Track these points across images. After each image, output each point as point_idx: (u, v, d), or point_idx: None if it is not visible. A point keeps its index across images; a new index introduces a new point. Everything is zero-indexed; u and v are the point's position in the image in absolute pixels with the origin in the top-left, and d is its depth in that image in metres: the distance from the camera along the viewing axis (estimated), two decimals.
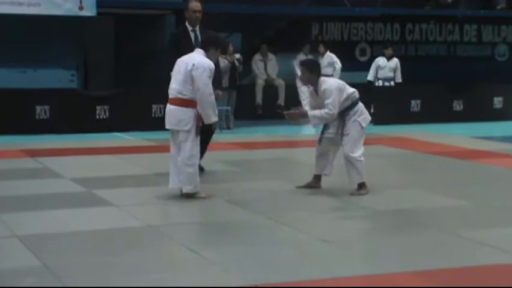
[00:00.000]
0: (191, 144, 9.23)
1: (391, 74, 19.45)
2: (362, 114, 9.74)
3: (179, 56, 9.84)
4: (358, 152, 9.65)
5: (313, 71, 9.67)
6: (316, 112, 9.61)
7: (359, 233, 8.03)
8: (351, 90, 9.72)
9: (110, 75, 18.98)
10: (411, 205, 9.20)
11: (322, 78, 9.70)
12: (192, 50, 10.03)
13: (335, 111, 9.50)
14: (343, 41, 21.15)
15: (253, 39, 19.86)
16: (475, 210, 8.98)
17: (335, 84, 9.67)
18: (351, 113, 9.68)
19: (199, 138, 9.31)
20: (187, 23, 11.03)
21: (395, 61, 19.56)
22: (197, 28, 10.97)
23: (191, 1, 11.08)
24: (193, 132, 9.23)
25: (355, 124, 9.66)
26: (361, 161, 9.66)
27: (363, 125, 9.73)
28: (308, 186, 9.98)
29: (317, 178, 9.99)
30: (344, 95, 9.60)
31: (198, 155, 9.49)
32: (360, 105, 9.78)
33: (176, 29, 10.98)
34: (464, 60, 22.20)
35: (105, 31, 18.76)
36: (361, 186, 9.72)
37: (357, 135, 9.68)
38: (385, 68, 19.50)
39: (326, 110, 9.51)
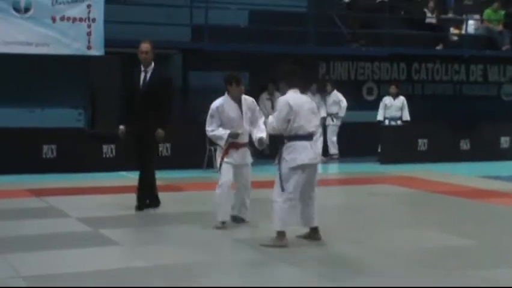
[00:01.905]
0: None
1: (398, 113, 19.48)
2: (292, 153, 8.97)
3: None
4: (276, 195, 9.02)
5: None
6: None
7: (367, 272, 7.97)
8: (303, 120, 8.93)
9: (117, 114, 19.00)
10: (418, 244, 9.16)
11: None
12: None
13: (274, 124, 9.12)
14: (350, 80, 21.20)
15: (260, 78, 19.91)
16: (483, 250, 8.93)
17: (286, 99, 9.12)
18: (284, 147, 9.09)
19: (222, 170, 10.10)
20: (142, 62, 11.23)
21: (401, 99, 19.59)
22: (149, 69, 11.15)
23: (141, 41, 11.36)
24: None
25: (282, 162, 9.09)
26: (279, 204, 8.92)
27: (291, 165, 8.93)
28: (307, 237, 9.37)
29: (313, 230, 9.30)
30: (290, 117, 8.92)
31: (221, 184, 10.02)
32: (299, 144, 8.96)
33: (133, 69, 11.21)
34: (471, 99, 22.21)
35: (112, 70, 18.82)
36: (277, 235, 8.93)
37: (280, 174, 9.04)
38: (392, 107, 19.54)
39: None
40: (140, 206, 11.20)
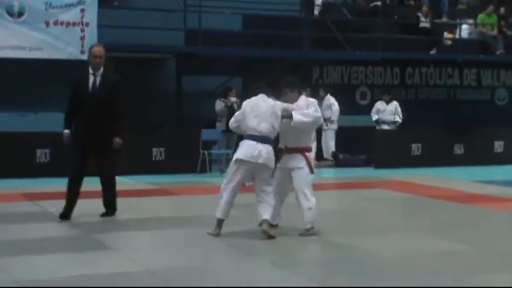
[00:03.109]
0: None
1: (391, 118, 19.53)
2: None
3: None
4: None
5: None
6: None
7: (361, 278, 7.96)
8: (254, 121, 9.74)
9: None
10: (413, 249, 9.15)
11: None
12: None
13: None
14: (343, 84, 21.21)
15: (253, 83, 19.88)
16: (477, 255, 8.92)
17: None
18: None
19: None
20: (90, 67, 10.95)
21: (395, 104, 19.65)
22: (98, 73, 10.88)
23: (94, 46, 11.30)
24: None
25: None
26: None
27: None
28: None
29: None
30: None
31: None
32: (245, 142, 9.80)
33: (80, 72, 11.02)
34: (464, 104, 22.25)
35: None
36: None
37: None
38: (385, 111, 19.60)
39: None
40: (67, 214, 10.77)
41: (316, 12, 21.10)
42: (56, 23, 16.52)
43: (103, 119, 10.73)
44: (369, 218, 9.93)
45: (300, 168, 9.82)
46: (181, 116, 18.62)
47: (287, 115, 9.72)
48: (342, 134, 19.48)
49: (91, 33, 16.70)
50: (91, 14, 16.75)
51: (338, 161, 19.26)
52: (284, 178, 9.93)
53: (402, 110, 19.62)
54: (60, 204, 11.20)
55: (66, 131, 10.83)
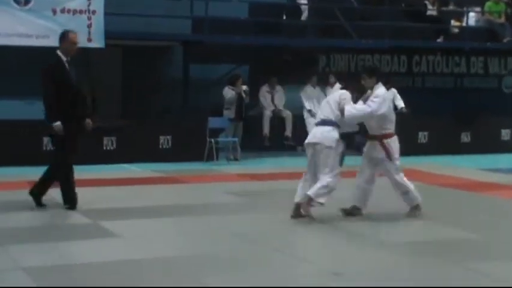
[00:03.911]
0: None
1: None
2: None
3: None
4: None
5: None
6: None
7: (367, 265, 7.96)
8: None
9: (117, 106, 19.01)
10: (419, 237, 9.16)
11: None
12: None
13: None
14: (350, 72, 21.17)
15: (260, 71, 19.89)
16: (484, 243, 8.93)
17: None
18: None
19: None
20: (61, 54, 10.76)
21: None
22: (69, 59, 10.75)
23: (69, 32, 11.07)
24: None
25: None
26: None
27: None
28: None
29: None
30: None
31: None
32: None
33: (52, 61, 10.76)
34: (471, 92, 22.18)
35: (113, 63, 18.82)
36: None
37: None
38: None
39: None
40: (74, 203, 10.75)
41: None
42: (63, 10, 16.49)
43: (80, 105, 10.73)
44: (376, 206, 9.92)
45: (381, 159, 10.29)
46: (188, 104, 18.62)
47: (341, 109, 9.92)
48: None
49: (98, 21, 16.67)
50: (98, 2, 16.71)
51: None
52: (366, 165, 10.42)
53: (409, 99, 19.57)
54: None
55: (58, 122, 10.53)
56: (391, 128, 10.39)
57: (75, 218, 10.19)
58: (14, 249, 8.23)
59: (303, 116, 19.63)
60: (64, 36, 10.92)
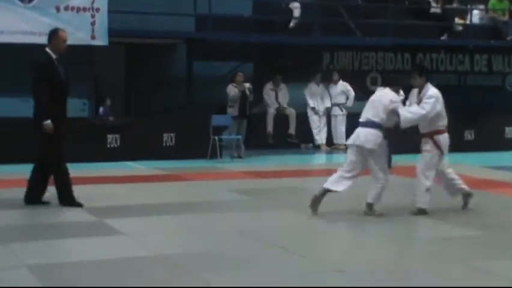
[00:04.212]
0: None
1: None
2: None
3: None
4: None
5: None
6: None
7: (371, 262, 7.96)
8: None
9: (121, 104, 19.03)
10: (425, 234, 9.16)
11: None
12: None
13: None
14: (354, 70, 21.16)
15: (264, 69, 19.89)
16: (488, 241, 8.92)
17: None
18: None
19: None
20: (50, 51, 10.71)
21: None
22: (57, 57, 10.70)
23: (59, 30, 11.00)
24: None
25: None
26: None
27: None
28: None
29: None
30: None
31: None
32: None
33: (41, 59, 10.66)
34: (475, 90, 22.16)
35: (116, 60, 18.83)
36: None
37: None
38: None
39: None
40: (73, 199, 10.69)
41: None
42: (66, 8, 16.52)
43: (66, 103, 10.72)
44: (380, 202, 9.93)
45: (426, 151, 10.39)
46: (192, 102, 18.63)
47: (395, 113, 10.17)
48: (352, 120, 19.43)
49: (102, 19, 16.70)
50: (102, 0, 16.74)
51: None
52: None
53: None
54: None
55: (48, 121, 10.39)
56: (443, 124, 10.54)
57: (79, 215, 10.19)
58: (18, 247, 8.23)
59: (306, 113, 19.66)
60: (54, 34, 10.85)
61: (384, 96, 10.22)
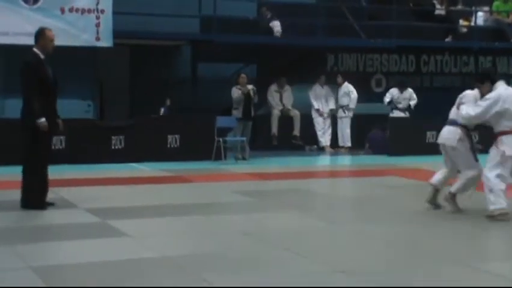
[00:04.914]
0: None
1: (405, 104, 19.60)
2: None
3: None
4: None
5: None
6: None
7: (374, 263, 7.96)
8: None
9: (125, 105, 19.05)
10: (428, 235, 9.15)
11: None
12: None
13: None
14: (358, 72, 21.18)
15: (268, 71, 19.91)
16: (491, 242, 8.92)
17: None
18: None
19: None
20: (38, 51, 10.61)
21: (410, 91, 19.69)
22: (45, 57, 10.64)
23: (46, 29, 10.86)
24: None
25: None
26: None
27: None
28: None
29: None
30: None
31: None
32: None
33: (30, 59, 10.59)
34: None
35: (121, 62, 18.86)
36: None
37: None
38: (399, 98, 19.61)
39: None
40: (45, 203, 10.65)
41: None
42: (71, 9, 16.56)
43: (56, 104, 10.67)
44: (384, 204, 9.95)
45: (493, 149, 10.53)
46: (196, 103, 18.64)
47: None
48: (357, 122, 19.47)
49: (106, 20, 16.73)
50: (106, 1, 16.77)
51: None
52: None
53: (417, 98, 19.63)
54: (76, 192, 11.25)
55: (43, 119, 10.33)
56: (507, 125, 10.37)
57: (84, 217, 10.20)
58: (22, 249, 8.23)
59: (311, 115, 19.68)
60: (41, 33, 10.75)
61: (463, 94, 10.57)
